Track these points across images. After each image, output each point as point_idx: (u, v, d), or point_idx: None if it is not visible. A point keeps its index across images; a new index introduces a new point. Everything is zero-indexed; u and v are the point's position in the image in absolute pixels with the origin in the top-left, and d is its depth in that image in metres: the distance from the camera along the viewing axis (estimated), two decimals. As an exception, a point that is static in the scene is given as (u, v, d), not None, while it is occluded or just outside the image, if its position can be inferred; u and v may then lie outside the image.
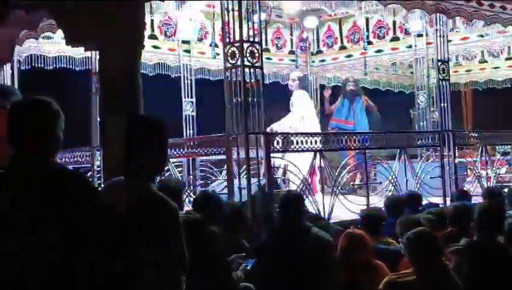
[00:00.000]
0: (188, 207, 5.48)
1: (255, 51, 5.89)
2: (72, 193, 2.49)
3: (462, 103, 15.54)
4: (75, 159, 7.90)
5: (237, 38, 5.86)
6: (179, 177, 6.98)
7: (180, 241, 2.76)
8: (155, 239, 2.66)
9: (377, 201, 6.79)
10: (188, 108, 9.70)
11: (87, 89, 8.37)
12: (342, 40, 11.05)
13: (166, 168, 6.76)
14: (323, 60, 11.43)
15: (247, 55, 5.83)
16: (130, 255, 2.64)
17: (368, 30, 10.50)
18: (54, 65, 8.69)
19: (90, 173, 7.67)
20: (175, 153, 6.42)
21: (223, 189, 6.19)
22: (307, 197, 6.21)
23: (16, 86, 7.62)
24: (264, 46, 10.42)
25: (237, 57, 5.83)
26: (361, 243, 4.39)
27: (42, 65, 8.55)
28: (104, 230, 2.61)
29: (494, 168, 8.85)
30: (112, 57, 4.59)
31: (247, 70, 5.81)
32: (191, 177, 7.35)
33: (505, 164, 9.65)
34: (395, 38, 10.43)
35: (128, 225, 2.66)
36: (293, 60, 11.12)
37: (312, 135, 6.81)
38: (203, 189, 6.79)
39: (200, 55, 10.05)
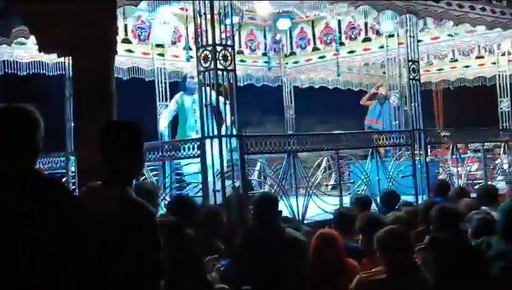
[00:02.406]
0: (163, 211, 5.51)
1: (228, 54, 5.94)
2: (51, 199, 2.52)
3: (433, 101, 15.73)
4: (50, 165, 7.89)
5: (210, 41, 5.90)
6: (154, 181, 7.01)
7: (158, 246, 2.79)
8: (134, 244, 2.69)
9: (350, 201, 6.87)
10: (163, 111, 9.69)
11: (61, 94, 8.35)
12: (314, 41, 11.17)
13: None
14: (296, 62, 11.53)
15: (220, 58, 5.88)
16: (111, 260, 2.67)
17: (340, 31, 10.62)
18: (28, 71, 8.66)
19: (64, 178, 7.66)
20: (149, 156, 6.45)
21: (197, 192, 6.23)
22: (281, 198, 6.28)
23: (-11, 92, 7.58)
24: (237, 48, 10.58)
25: (210, 60, 5.87)
26: (332, 242, 4.46)
27: (15, 71, 8.52)
28: (84, 235, 2.65)
29: (465, 166, 9.01)
30: (85, 63, 4.60)
31: (220, 73, 5.86)
32: (166, 180, 7.36)
33: (476, 161, 9.80)
34: (367, 39, 10.56)
35: (108, 229, 2.69)
36: (267, 62, 11.20)
37: (286, 136, 6.89)
38: (178, 192, 6.82)
39: (174, 58, 10.09)
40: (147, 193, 4.19)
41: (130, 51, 9.54)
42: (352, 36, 10.67)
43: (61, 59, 8.05)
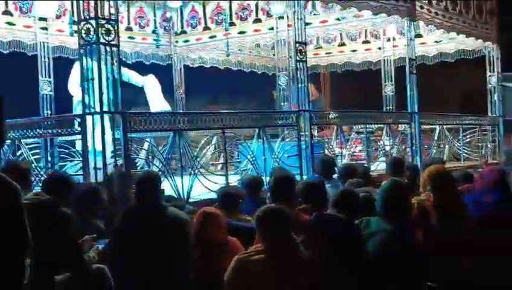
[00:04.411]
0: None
1: (111, 29, 5.75)
2: None
3: (321, 85, 16.09)
4: None
5: (92, 15, 5.70)
6: (32, 159, 6.71)
7: (21, 223, 2.67)
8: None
9: (237, 180, 6.89)
10: (46, 87, 9.33)
11: None
12: (205, 20, 11.11)
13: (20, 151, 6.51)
14: (187, 41, 11.44)
15: (103, 32, 5.68)
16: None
17: (230, 12, 10.61)
18: None
19: None
20: (27, 133, 6.19)
21: (79, 170, 6.03)
22: (166, 178, 6.19)
23: None
24: (126, 24, 10.37)
25: (92, 34, 5.67)
26: (214, 220, 4.44)
27: None
28: None
29: (348, 147, 9.25)
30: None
31: (102, 48, 5.67)
32: (47, 158, 7.08)
33: (360, 142, 10.08)
34: (257, 20, 10.61)
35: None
36: (156, 40, 11.02)
37: (173, 114, 6.78)
38: (53, 170, 6.57)
39: (59, 33, 9.73)
40: (16, 170, 4.01)
41: (10, 23, 9.11)
42: (243, 17, 10.70)
43: None
